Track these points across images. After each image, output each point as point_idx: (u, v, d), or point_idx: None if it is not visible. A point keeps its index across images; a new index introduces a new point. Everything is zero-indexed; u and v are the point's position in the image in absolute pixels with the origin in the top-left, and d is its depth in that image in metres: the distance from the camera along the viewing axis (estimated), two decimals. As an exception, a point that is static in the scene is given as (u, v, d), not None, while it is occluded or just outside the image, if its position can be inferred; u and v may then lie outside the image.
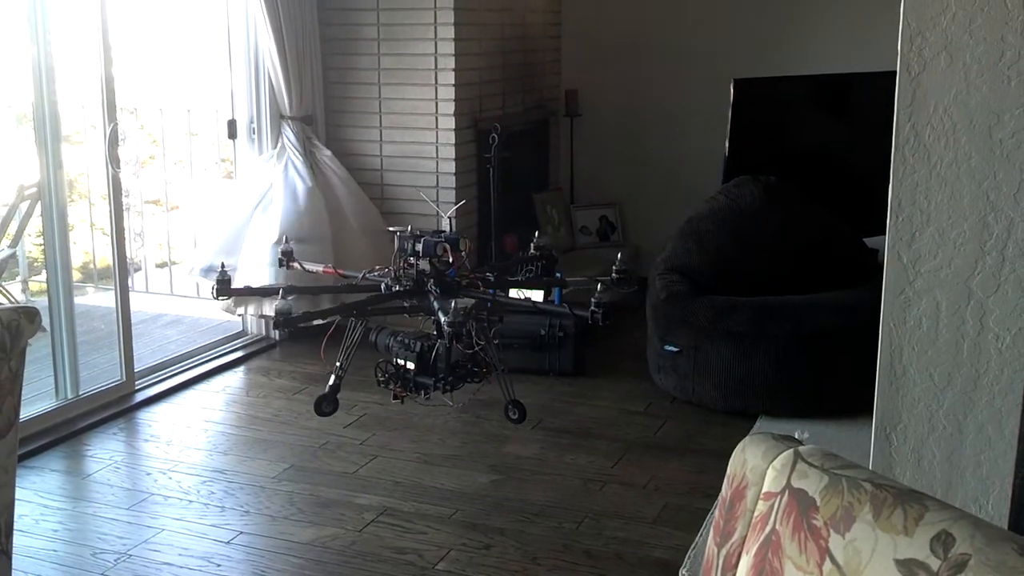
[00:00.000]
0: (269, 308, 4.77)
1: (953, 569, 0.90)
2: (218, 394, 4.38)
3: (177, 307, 5.61)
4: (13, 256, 5.27)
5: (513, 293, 4.65)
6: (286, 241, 3.52)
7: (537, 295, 4.64)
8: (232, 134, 4.90)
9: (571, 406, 4.17)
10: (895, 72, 1.93)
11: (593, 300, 3.09)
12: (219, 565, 2.96)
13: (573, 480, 3.48)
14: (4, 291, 5.08)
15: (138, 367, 4.35)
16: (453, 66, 4.84)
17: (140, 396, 4.24)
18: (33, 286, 5.62)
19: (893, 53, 1.96)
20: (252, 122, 4.88)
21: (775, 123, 5.01)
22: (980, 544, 0.91)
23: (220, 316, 5.20)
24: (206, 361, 4.67)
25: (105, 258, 5.44)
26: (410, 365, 3.04)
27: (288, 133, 4.80)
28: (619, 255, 3.43)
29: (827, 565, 0.99)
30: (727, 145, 4.85)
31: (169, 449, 3.78)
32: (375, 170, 5.06)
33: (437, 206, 3.49)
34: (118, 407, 4.11)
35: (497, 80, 5.30)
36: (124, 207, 4.44)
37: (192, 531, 3.16)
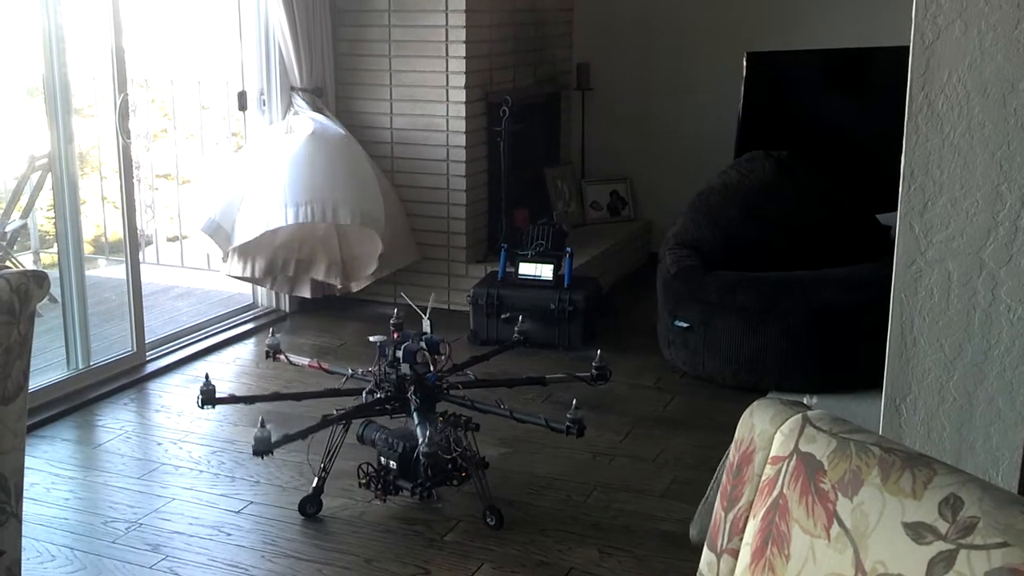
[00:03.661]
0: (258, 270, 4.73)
1: (961, 532, 0.89)
2: (229, 365, 4.39)
3: (188, 279, 5.62)
4: (24, 227, 5.28)
5: (525, 268, 4.65)
6: (273, 334, 3.51)
7: (547, 270, 4.64)
8: (243, 105, 4.89)
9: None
10: (909, 47, 1.90)
11: (569, 416, 3.08)
12: (229, 534, 2.98)
13: (582, 454, 3.49)
14: (15, 262, 5.10)
15: (149, 338, 4.37)
16: (464, 38, 4.81)
17: (151, 367, 4.26)
18: (44, 258, 5.64)
19: (909, 27, 1.93)
20: (262, 94, 4.87)
21: (788, 98, 4.97)
22: (988, 507, 0.90)
23: (231, 288, 5.22)
24: (217, 333, 4.68)
25: (116, 232, 5.45)
26: (392, 465, 3.03)
27: (299, 104, 4.79)
28: (599, 352, 3.44)
29: (835, 528, 0.99)
30: (739, 120, 4.82)
31: (180, 420, 3.80)
32: (385, 143, 5.04)
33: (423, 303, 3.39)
34: (129, 378, 4.13)
35: (508, 53, 5.28)
36: (136, 179, 4.44)
37: (202, 500, 3.18)
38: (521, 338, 3.67)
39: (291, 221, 4.43)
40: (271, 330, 3.66)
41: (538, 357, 4.33)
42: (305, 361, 3.59)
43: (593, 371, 3.43)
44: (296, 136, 4.64)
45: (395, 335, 3.21)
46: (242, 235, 4.50)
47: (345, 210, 4.47)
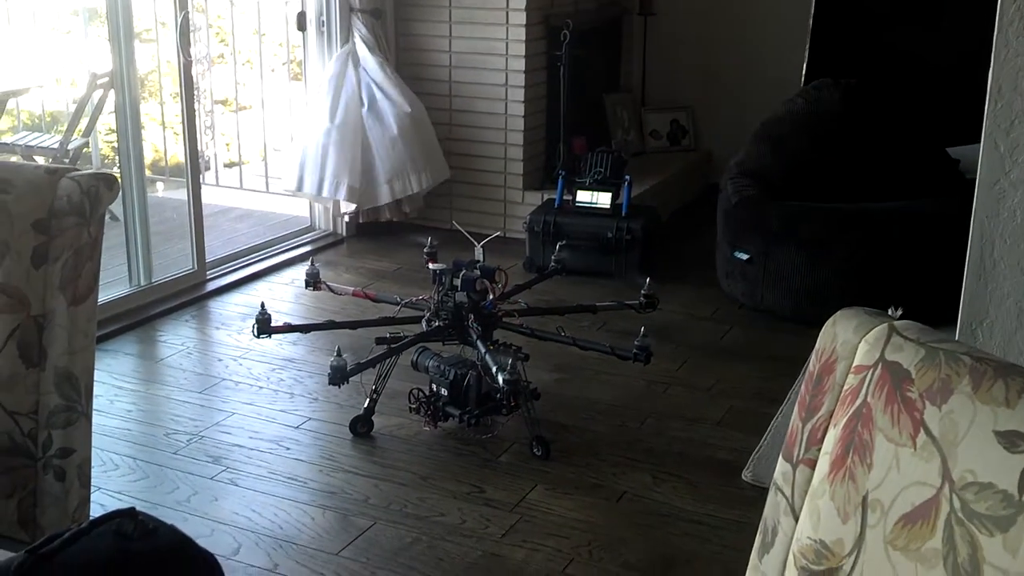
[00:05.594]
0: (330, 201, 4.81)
1: (1059, 441, 0.86)
2: (287, 286, 4.43)
3: (247, 201, 5.65)
4: (85, 145, 5.33)
5: (582, 196, 4.61)
6: (312, 263, 3.50)
7: (604, 198, 4.59)
8: (301, 25, 4.85)
9: (637, 309, 4.13)
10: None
11: (636, 343, 3.10)
12: (288, 448, 3.02)
13: (637, 381, 3.47)
14: (78, 182, 5.15)
15: (208, 258, 4.41)
16: (525, -42, 4.72)
17: (211, 286, 4.30)
18: (106, 178, 5.68)
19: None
20: (321, 15, 4.82)
21: (859, 24, 4.82)
22: (1088, 417, 0.87)
23: (289, 211, 5.24)
24: (275, 254, 4.72)
25: (175, 155, 5.48)
26: (443, 391, 3.03)
27: (359, 27, 4.73)
28: (647, 280, 3.45)
29: (921, 437, 0.96)
30: (807, 46, 4.69)
31: (240, 337, 3.84)
32: (443, 66, 4.99)
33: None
34: (190, 295, 4.18)
35: (570, -25, 5.16)
36: (196, 99, 4.45)
37: (262, 415, 3.23)
38: (559, 266, 3.67)
39: (389, 199, 4.79)
40: (311, 259, 3.65)
41: (594, 286, 4.31)
42: (349, 290, 3.59)
43: (642, 299, 3.42)
44: (369, 114, 4.74)
45: (429, 262, 3.23)
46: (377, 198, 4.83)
47: (423, 176, 4.84)
